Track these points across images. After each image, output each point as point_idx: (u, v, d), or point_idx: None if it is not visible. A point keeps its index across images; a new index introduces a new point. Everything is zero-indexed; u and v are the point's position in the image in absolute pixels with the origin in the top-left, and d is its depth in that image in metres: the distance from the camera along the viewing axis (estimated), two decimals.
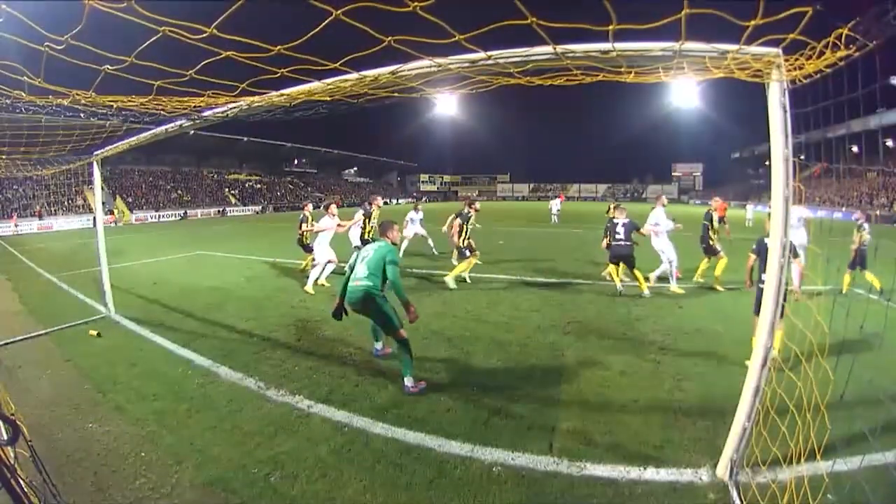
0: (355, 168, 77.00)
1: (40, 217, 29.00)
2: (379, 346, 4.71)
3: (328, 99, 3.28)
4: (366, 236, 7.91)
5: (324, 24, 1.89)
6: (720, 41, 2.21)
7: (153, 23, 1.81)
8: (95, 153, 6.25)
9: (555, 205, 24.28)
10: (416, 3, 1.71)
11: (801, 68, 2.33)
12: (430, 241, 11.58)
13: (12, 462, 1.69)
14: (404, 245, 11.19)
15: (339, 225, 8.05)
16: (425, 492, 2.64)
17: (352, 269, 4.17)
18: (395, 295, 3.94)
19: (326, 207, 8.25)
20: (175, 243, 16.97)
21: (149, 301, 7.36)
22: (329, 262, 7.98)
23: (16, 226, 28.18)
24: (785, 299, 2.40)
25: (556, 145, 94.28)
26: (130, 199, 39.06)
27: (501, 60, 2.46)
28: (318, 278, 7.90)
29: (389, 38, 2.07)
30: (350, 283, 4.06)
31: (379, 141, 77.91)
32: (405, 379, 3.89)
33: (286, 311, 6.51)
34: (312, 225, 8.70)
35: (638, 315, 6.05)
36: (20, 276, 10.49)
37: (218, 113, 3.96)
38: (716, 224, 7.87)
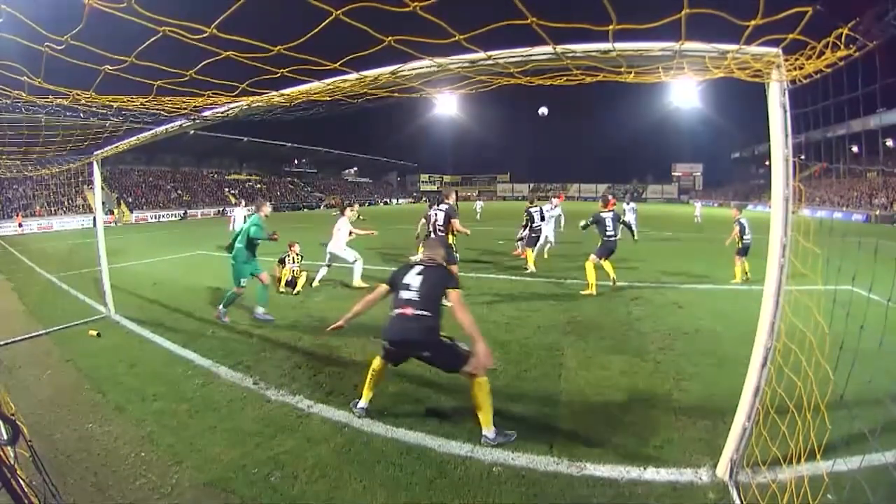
0: (355, 168, 77.05)
1: (20, 224, 28.51)
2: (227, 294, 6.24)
3: (328, 99, 3.28)
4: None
5: (324, 24, 1.89)
6: (720, 41, 2.21)
7: (153, 23, 1.81)
8: (95, 153, 6.25)
9: (478, 204, 30.04)
10: (416, 3, 1.71)
11: (801, 68, 2.32)
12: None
13: (12, 462, 1.68)
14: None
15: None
16: (425, 492, 2.64)
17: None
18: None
19: (342, 210, 8.50)
20: (175, 243, 16.98)
21: (149, 301, 7.36)
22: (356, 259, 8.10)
23: (20, 225, 28.12)
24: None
25: (556, 145, 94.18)
26: (130, 199, 39.07)
27: (501, 60, 2.46)
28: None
29: (389, 38, 2.07)
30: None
31: (379, 141, 78.07)
32: (258, 308, 6.15)
33: (286, 312, 6.51)
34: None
35: (638, 315, 6.05)
36: (20, 276, 10.50)
37: (218, 113, 3.95)
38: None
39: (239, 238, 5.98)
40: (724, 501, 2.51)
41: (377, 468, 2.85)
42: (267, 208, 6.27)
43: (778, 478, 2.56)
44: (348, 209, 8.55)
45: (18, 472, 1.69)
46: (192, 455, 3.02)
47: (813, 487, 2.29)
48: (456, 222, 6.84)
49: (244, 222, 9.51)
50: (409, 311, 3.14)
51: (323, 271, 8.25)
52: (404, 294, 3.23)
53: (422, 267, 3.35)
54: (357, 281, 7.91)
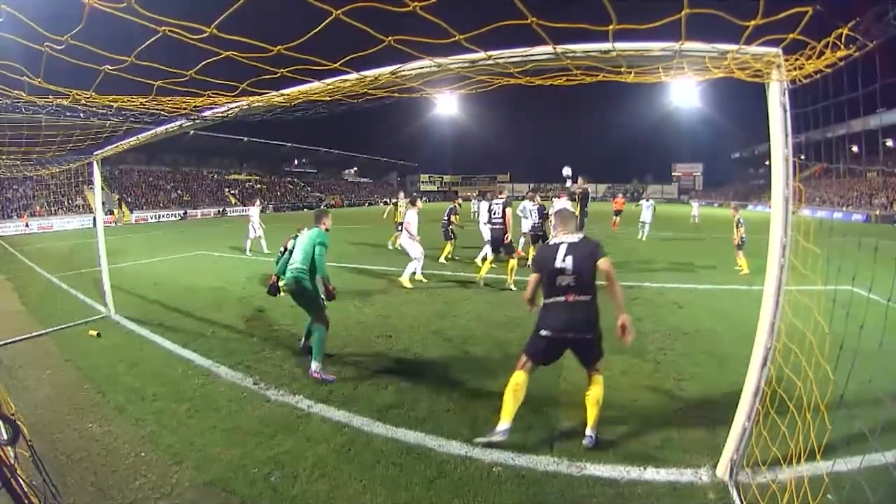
0: (355, 168, 76.99)
1: (26, 224, 28.49)
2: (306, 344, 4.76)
3: (328, 99, 3.28)
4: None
5: (324, 24, 1.89)
6: (720, 41, 2.21)
7: (153, 23, 1.81)
8: (95, 153, 6.26)
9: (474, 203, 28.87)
10: (416, 3, 1.71)
11: (801, 68, 2.32)
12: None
13: (12, 462, 1.68)
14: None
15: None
16: (425, 492, 2.64)
17: (290, 252, 4.65)
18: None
19: (413, 202, 8.62)
20: (175, 243, 16.97)
21: (149, 301, 7.36)
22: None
23: (27, 225, 28.19)
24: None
25: (556, 145, 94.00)
26: (130, 200, 39.05)
27: (501, 60, 2.46)
28: (414, 272, 8.14)
29: (389, 38, 2.07)
30: (288, 267, 4.51)
31: (379, 141, 77.99)
32: (312, 363, 4.21)
33: (286, 311, 6.50)
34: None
35: (638, 315, 6.04)
36: (20, 276, 10.49)
37: (218, 113, 3.96)
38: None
39: (301, 259, 4.44)
40: (724, 501, 2.51)
41: (377, 468, 2.85)
42: (329, 220, 4.81)
43: (778, 478, 2.56)
44: (419, 201, 8.74)
45: (18, 472, 1.69)
46: (192, 455, 3.02)
47: (813, 487, 2.29)
48: (509, 211, 7.61)
49: (261, 223, 8.35)
50: (571, 297, 3.02)
51: (411, 265, 8.15)
52: (561, 280, 3.04)
53: (566, 245, 3.09)
54: (405, 279, 7.90)
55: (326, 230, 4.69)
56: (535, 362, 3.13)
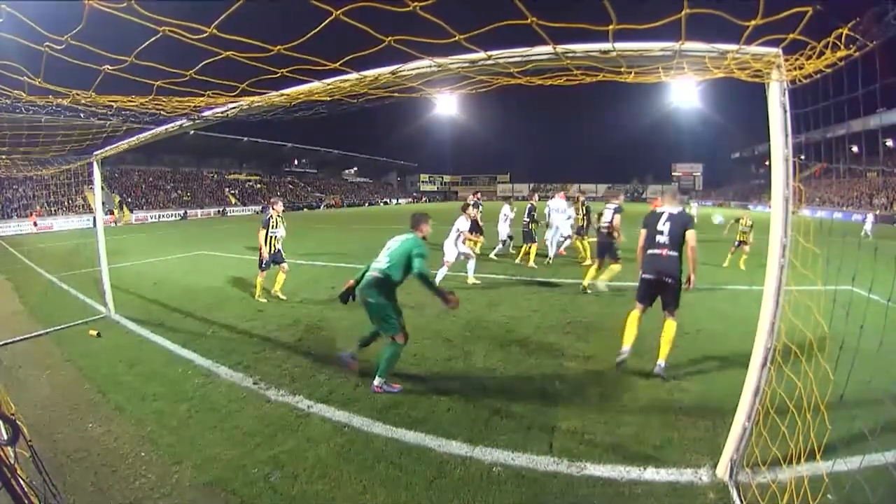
0: (355, 168, 77.05)
1: (35, 224, 28.51)
2: (348, 353, 4.27)
3: (328, 99, 3.28)
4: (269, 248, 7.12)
5: (324, 24, 1.89)
6: (720, 41, 2.21)
7: (153, 23, 1.81)
8: (95, 153, 6.25)
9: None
10: (416, 3, 1.71)
11: (801, 68, 2.33)
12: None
13: (12, 462, 1.68)
14: None
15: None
16: (425, 492, 2.64)
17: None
18: (426, 287, 3.76)
19: (464, 209, 8.30)
20: (175, 243, 16.97)
21: (149, 301, 7.36)
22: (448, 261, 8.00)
23: (35, 224, 28.19)
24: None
25: (556, 145, 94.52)
26: (130, 200, 39.05)
27: (501, 60, 2.46)
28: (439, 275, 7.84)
29: (389, 38, 2.07)
30: (368, 271, 3.95)
31: (379, 141, 78.22)
32: (376, 378, 3.87)
33: (286, 311, 6.51)
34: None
35: None
36: (20, 276, 10.49)
37: (218, 113, 3.95)
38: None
39: (386, 266, 3.86)
40: (724, 501, 2.51)
41: (377, 468, 2.85)
42: (428, 226, 4.11)
43: (778, 478, 2.56)
44: (471, 208, 8.46)
45: (18, 472, 1.69)
46: (192, 455, 3.02)
47: (813, 487, 2.29)
48: (617, 218, 7.41)
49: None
50: (664, 252, 4.06)
51: (471, 264, 8.13)
52: (659, 238, 4.11)
53: (668, 214, 4.15)
54: (471, 277, 7.92)
55: (424, 238, 4.02)
56: (644, 304, 4.21)
